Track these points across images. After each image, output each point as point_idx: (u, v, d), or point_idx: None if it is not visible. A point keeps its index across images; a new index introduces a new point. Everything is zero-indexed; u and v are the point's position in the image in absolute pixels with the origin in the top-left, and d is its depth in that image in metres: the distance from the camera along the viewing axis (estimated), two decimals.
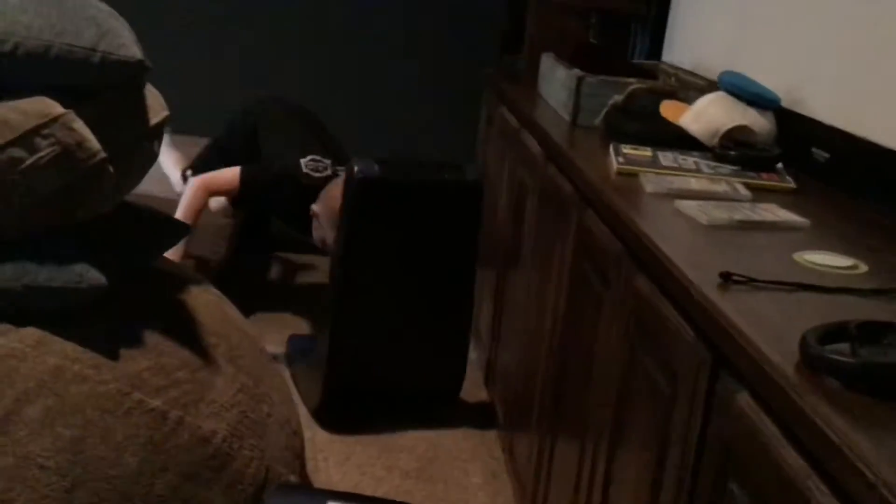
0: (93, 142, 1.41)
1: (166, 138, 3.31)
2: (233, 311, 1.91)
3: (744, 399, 0.93)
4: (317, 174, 2.63)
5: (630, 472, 1.28)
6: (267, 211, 3.01)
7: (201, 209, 2.60)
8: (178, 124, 2.56)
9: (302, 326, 2.89)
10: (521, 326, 2.14)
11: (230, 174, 2.62)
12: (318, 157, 2.67)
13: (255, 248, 3.42)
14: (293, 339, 2.72)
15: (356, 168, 2.27)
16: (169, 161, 3.00)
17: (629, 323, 1.33)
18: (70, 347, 1.41)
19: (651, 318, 1.23)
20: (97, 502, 1.28)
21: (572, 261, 1.69)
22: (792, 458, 0.82)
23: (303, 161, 2.65)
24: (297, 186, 2.62)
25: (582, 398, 1.54)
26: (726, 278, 1.08)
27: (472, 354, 2.71)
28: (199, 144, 3.02)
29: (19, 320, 1.41)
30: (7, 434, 1.27)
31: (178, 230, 1.79)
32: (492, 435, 2.42)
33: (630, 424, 1.30)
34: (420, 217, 2.36)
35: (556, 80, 2.29)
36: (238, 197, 2.66)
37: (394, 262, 2.37)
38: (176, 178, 2.92)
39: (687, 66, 2.53)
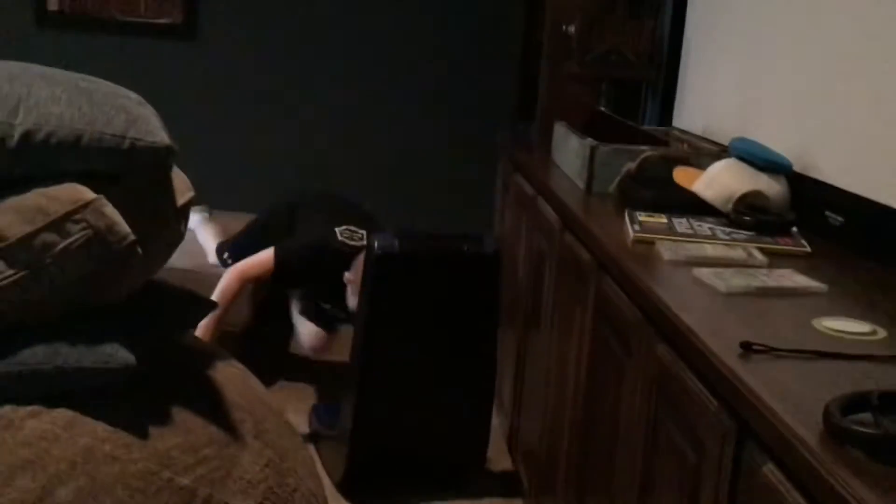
0: (123, 225, 1.45)
1: (204, 212, 3.40)
2: (256, 385, 1.93)
3: (769, 470, 0.94)
4: (351, 242, 2.68)
5: None
6: (303, 287, 2.98)
7: (237, 296, 2.64)
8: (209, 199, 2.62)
9: (324, 396, 2.90)
10: (543, 393, 2.15)
11: (265, 256, 2.65)
12: (353, 228, 2.72)
13: (276, 315, 3.45)
14: (317, 409, 2.73)
15: (375, 243, 2.32)
16: (206, 234, 3.07)
17: (652, 390, 1.34)
18: (101, 427, 1.43)
19: (674, 387, 1.24)
20: None
21: (592, 328, 1.71)
22: None
23: (338, 230, 2.70)
24: (331, 256, 2.65)
25: (607, 466, 1.54)
26: (747, 348, 1.09)
27: (495, 421, 2.71)
28: (236, 219, 3.10)
29: (50, 401, 1.44)
30: None
31: (203, 305, 1.82)
32: (517, 503, 2.40)
33: (657, 493, 1.30)
34: (440, 289, 2.40)
35: (569, 149, 2.34)
36: (275, 276, 2.68)
37: (416, 334, 2.40)
38: (211, 249, 3.00)
39: (697, 132, 2.57)
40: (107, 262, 1.43)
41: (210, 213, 3.43)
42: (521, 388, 2.48)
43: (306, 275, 2.70)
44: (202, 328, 2.51)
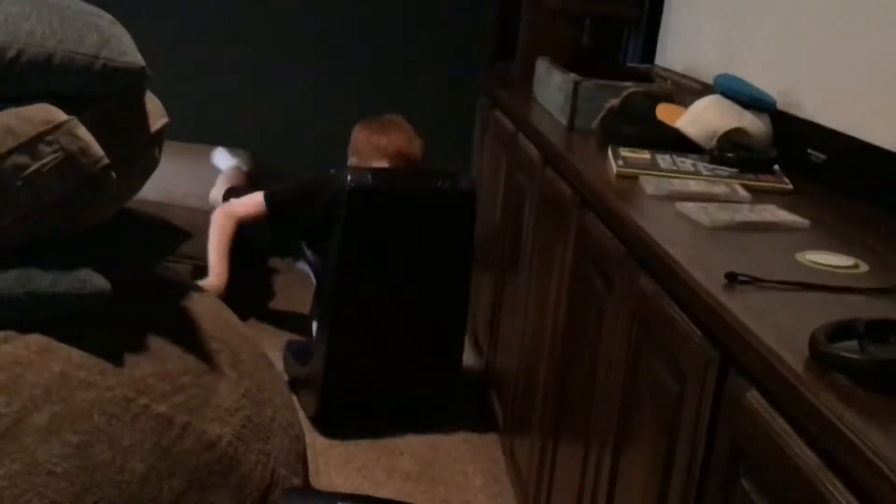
0: (96, 148, 1.41)
1: (233, 154, 3.24)
2: (232, 317, 1.91)
3: (753, 396, 0.94)
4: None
5: (636, 474, 1.29)
6: (303, 233, 2.63)
7: (231, 237, 2.45)
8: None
9: (297, 332, 2.89)
10: (520, 331, 2.15)
11: (254, 198, 2.47)
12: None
13: (246, 258, 3.43)
14: (290, 345, 2.72)
15: (349, 177, 2.27)
16: (223, 177, 2.96)
17: (633, 324, 1.34)
18: (75, 354, 1.41)
19: (656, 319, 1.24)
20: None
21: (573, 264, 1.70)
22: (804, 454, 0.83)
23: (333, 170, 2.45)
24: (328, 195, 2.34)
25: (585, 400, 1.55)
26: (732, 278, 1.09)
27: (471, 360, 2.72)
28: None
29: (24, 327, 1.42)
30: (16, 440, 1.27)
31: (178, 235, 1.79)
32: (492, 438, 2.42)
33: (635, 425, 1.31)
34: (413, 225, 2.37)
35: (551, 85, 2.31)
36: (270, 222, 2.46)
37: (388, 270, 2.37)
38: (216, 195, 2.90)
39: (680, 70, 2.55)
40: (80, 186, 1.40)
41: (246, 167, 3.24)
42: (498, 328, 2.48)
43: (301, 216, 2.44)
44: (214, 277, 2.38)
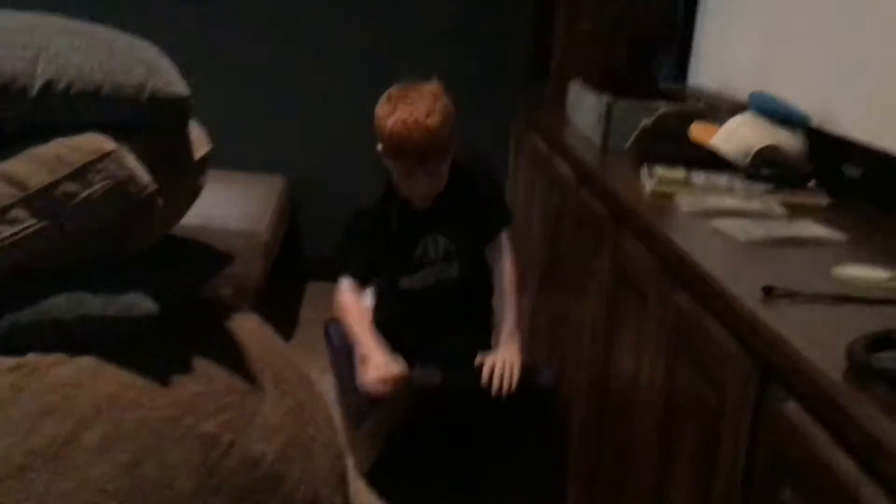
0: (143, 176, 1.46)
1: None
2: (274, 337, 1.94)
3: (792, 407, 0.95)
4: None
5: (680, 487, 1.29)
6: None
7: (363, 313, 2.07)
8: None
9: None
10: (559, 351, 2.16)
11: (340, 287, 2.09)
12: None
13: (289, 273, 3.47)
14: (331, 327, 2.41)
15: (414, 376, 1.89)
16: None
17: (670, 340, 1.35)
18: (124, 375, 1.45)
19: (693, 334, 1.25)
20: None
21: (609, 281, 1.71)
22: (844, 463, 0.84)
23: None
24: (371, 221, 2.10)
25: (626, 415, 1.56)
26: (768, 292, 1.10)
27: None
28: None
29: (73, 349, 1.46)
30: (68, 460, 1.30)
31: (220, 258, 1.83)
32: None
33: (677, 439, 1.31)
34: (490, 427, 1.96)
35: (585, 106, 2.33)
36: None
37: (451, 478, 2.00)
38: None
39: (714, 89, 2.56)
40: (127, 212, 1.44)
41: None
42: (535, 348, 2.49)
43: (364, 255, 2.08)
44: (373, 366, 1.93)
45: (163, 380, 1.51)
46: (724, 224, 1.42)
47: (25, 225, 1.40)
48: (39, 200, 1.40)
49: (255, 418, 1.54)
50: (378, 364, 1.86)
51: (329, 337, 2.42)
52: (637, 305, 1.53)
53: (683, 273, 1.29)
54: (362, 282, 2.02)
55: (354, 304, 1.99)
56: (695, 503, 1.21)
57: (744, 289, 1.12)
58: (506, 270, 2.05)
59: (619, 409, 1.60)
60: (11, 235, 1.39)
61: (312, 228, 3.71)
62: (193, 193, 1.69)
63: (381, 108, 1.94)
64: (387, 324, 2.08)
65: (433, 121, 1.87)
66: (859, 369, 0.88)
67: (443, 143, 1.90)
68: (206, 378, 1.59)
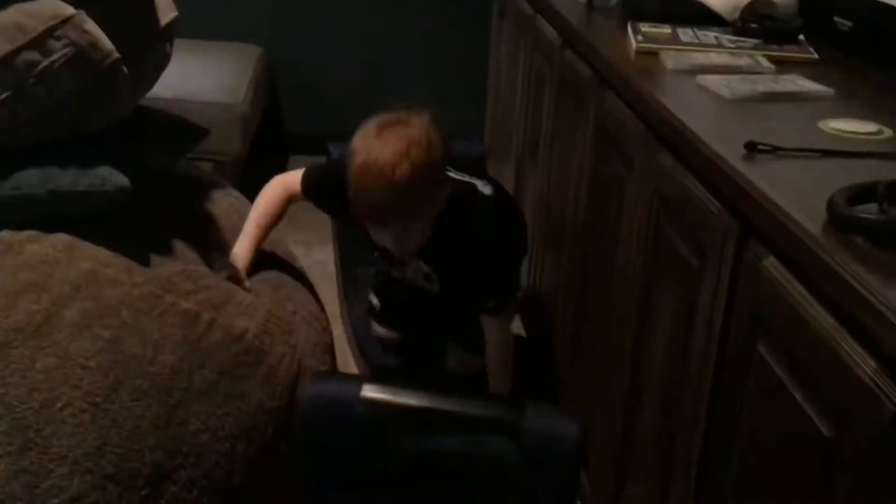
0: (105, 42, 1.40)
1: None
2: None
3: (771, 263, 0.93)
4: None
5: (658, 346, 1.30)
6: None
7: (278, 213, 1.82)
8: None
9: (321, 231, 2.90)
10: (542, 221, 2.15)
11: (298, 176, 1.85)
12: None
13: (272, 148, 3.42)
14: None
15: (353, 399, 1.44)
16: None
17: (653, 202, 1.32)
18: (101, 253, 1.43)
19: (676, 195, 1.23)
20: (139, 398, 1.32)
21: (593, 146, 1.68)
22: (822, 317, 0.83)
23: None
24: None
25: (607, 279, 1.55)
26: (751, 148, 1.07)
27: None
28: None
29: (48, 227, 1.43)
30: (48, 336, 1.30)
31: (195, 132, 1.79)
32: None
33: (657, 302, 1.31)
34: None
35: None
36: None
37: None
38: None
39: None
40: (92, 81, 1.39)
41: None
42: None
43: (332, 203, 1.83)
44: (238, 256, 1.70)
45: (141, 258, 1.49)
46: (709, 81, 1.38)
47: None
48: (0, 71, 1.34)
49: (233, 297, 1.53)
50: (240, 251, 1.68)
51: (329, 154, 2.32)
52: (622, 169, 1.50)
53: (667, 133, 1.26)
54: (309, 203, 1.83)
55: (278, 202, 1.78)
56: (672, 362, 1.22)
57: (727, 146, 1.09)
58: (492, 352, 1.77)
59: (602, 273, 1.60)
60: None
61: (293, 102, 3.62)
62: (161, 62, 1.63)
63: (357, 140, 1.55)
64: (381, 287, 2.07)
65: (400, 174, 1.48)
66: (839, 221, 0.86)
67: (408, 205, 1.53)
68: (183, 259, 1.58)
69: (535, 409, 1.24)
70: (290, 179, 1.81)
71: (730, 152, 1.07)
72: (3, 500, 1.22)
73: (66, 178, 1.40)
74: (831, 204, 0.87)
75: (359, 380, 1.60)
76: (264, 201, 1.79)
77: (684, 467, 1.17)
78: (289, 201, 1.80)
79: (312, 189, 1.80)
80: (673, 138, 1.23)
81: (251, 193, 2.30)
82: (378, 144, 1.51)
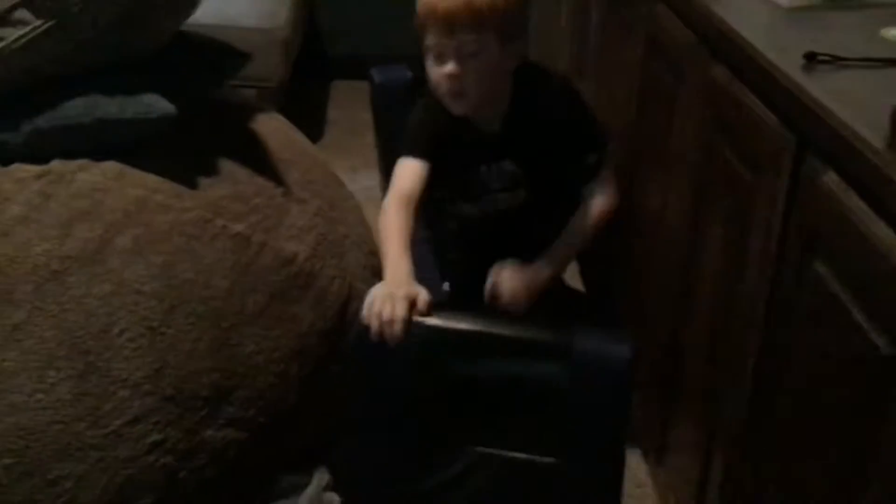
0: None
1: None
2: (300, 138, 1.92)
3: (830, 178, 0.91)
4: None
5: (711, 264, 1.28)
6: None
7: (408, 226, 1.45)
8: None
9: (367, 156, 2.89)
10: None
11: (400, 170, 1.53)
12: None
13: (314, 73, 3.39)
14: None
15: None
16: None
17: (705, 117, 1.29)
18: (150, 179, 1.44)
19: (729, 108, 1.19)
20: (194, 322, 1.34)
21: (642, 59, 1.63)
22: (883, 233, 0.81)
23: None
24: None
25: (658, 197, 1.53)
26: (811, 58, 1.03)
27: None
28: None
29: (96, 155, 1.45)
30: (103, 263, 1.32)
31: (237, 57, 1.77)
32: None
33: (708, 219, 1.29)
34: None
35: None
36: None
37: None
38: None
39: None
40: (134, 7, 1.38)
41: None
42: None
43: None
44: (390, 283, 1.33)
45: (190, 183, 1.50)
46: None
47: (32, 26, 1.35)
48: (40, 0, 1.34)
49: (285, 219, 1.54)
50: (394, 281, 1.30)
51: (372, 79, 2.06)
52: (672, 83, 1.46)
53: (721, 44, 1.22)
54: (426, 166, 1.48)
55: (399, 219, 1.42)
56: (726, 280, 1.20)
57: (785, 57, 1.06)
58: (591, 206, 1.51)
59: (651, 191, 1.57)
60: (19, 38, 1.35)
61: (334, 25, 3.58)
62: None
63: None
64: (436, 253, 1.73)
65: None
66: None
67: (484, 9, 1.38)
68: (232, 180, 1.58)
69: (586, 332, 1.23)
70: (398, 185, 1.47)
71: (787, 63, 1.04)
72: (68, 421, 1.27)
73: (113, 107, 1.40)
74: (894, 116, 0.84)
75: None
76: (392, 226, 1.42)
77: (736, 388, 1.17)
78: (413, 206, 1.46)
79: (420, 142, 1.51)
80: (727, 50, 1.19)
81: (293, 119, 2.30)
82: None
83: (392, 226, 1.41)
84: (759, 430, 1.10)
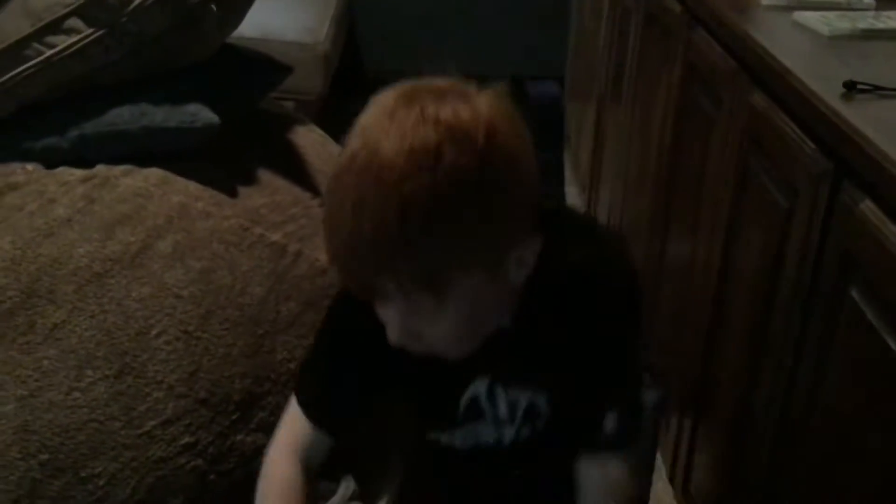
0: None
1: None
2: (336, 150, 1.94)
3: (867, 206, 0.91)
4: None
5: (744, 289, 1.28)
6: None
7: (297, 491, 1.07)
8: None
9: None
10: (624, 161, 2.12)
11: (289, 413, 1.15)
12: None
13: (353, 86, 3.43)
14: None
15: None
16: None
17: (743, 142, 1.30)
18: (192, 186, 1.47)
19: (767, 135, 1.20)
20: (230, 328, 1.36)
21: (680, 84, 1.64)
22: None
23: None
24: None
25: (691, 225, 1.53)
26: (851, 87, 1.04)
27: (573, 193, 2.71)
28: None
29: (140, 162, 1.48)
30: (144, 266, 1.35)
31: (279, 70, 1.81)
32: None
33: (743, 245, 1.29)
34: None
35: None
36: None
37: None
38: None
39: None
40: (182, 19, 1.41)
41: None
42: (601, 158, 2.45)
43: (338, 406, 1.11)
44: None
45: (230, 191, 1.53)
46: (806, 17, 1.33)
47: (83, 34, 1.39)
48: (94, 8, 1.38)
49: (320, 230, 1.56)
50: None
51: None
52: (710, 108, 1.46)
53: (760, 71, 1.23)
54: (322, 423, 1.08)
55: (283, 476, 1.06)
56: (760, 305, 1.20)
57: (824, 85, 1.06)
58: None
59: (683, 214, 1.58)
60: (70, 45, 1.39)
61: (372, 39, 3.62)
62: (247, 2, 1.64)
63: (364, 118, 0.86)
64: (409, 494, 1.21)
65: (411, 188, 0.79)
66: None
67: (437, 250, 0.82)
68: (270, 189, 1.61)
69: None
70: (285, 429, 1.09)
71: (827, 91, 1.04)
72: (103, 420, 1.29)
73: (159, 115, 1.44)
74: None
75: None
76: (273, 486, 1.06)
77: (766, 412, 1.16)
78: (302, 464, 1.06)
79: (309, 393, 1.08)
80: (766, 76, 1.20)
81: (331, 133, 2.33)
82: (396, 120, 0.81)
83: (274, 486, 1.04)
84: (789, 464, 1.10)
